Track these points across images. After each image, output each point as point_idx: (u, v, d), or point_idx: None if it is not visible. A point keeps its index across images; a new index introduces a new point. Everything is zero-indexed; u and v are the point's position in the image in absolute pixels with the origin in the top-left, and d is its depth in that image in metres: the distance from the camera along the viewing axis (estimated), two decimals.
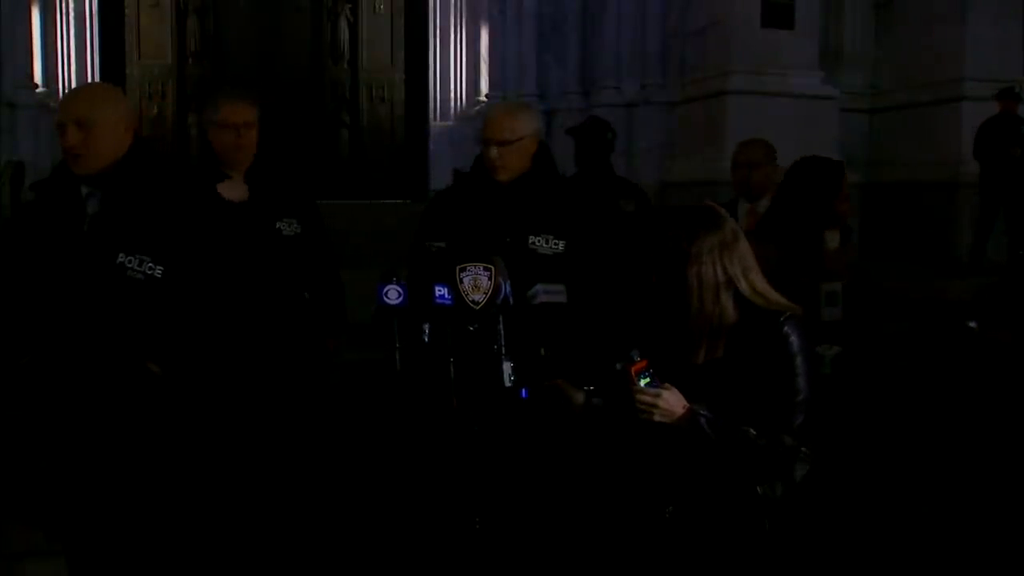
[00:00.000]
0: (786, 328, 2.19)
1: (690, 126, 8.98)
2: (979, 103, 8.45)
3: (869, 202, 8.41)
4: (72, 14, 9.54)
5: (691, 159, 8.75)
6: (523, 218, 2.91)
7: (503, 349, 2.60)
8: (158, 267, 2.55)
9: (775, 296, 2.26)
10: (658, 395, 2.15)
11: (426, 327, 2.72)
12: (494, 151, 2.92)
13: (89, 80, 9.54)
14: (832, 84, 8.86)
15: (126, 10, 10.15)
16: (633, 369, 2.16)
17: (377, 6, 10.79)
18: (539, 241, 2.87)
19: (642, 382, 2.16)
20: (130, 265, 2.54)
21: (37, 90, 9.12)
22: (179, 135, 10.28)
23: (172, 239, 2.59)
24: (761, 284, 2.25)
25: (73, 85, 9.47)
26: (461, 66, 10.54)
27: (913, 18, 9.40)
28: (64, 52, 9.49)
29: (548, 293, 2.87)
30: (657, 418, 2.16)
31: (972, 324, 3.25)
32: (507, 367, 2.59)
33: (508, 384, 2.59)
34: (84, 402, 2.56)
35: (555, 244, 2.87)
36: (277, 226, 3.34)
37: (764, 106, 8.07)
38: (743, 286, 2.22)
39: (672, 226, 2.25)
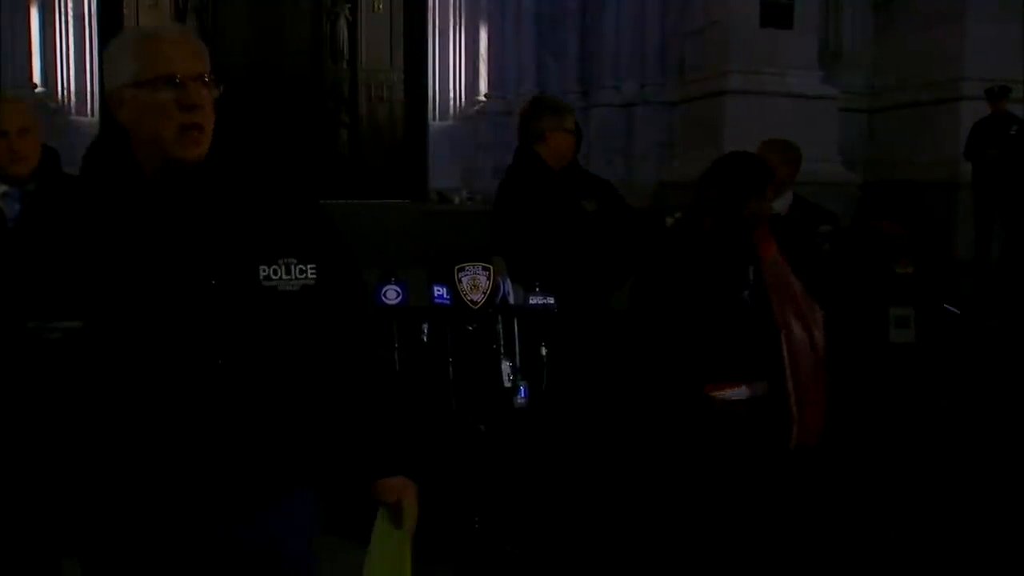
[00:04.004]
0: None
1: (689, 126, 8.98)
2: (978, 103, 8.44)
3: (868, 202, 8.40)
4: (71, 14, 9.54)
5: (690, 159, 8.74)
6: None
7: (502, 349, 2.60)
8: None
9: None
10: None
11: (425, 327, 2.72)
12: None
13: (89, 81, 9.55)
14: (831, 84, 8.85)
15: (125, 10, 10.15)
16: None
17: (376, 6, 10.78)
18: None
19: None
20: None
21: (36, 90, 9.12)
22: None
23: None
24: None
25: (72, 85, 9.48)
26: (460, 65, 10.53)
27: (912, 18, 9.39)
28: (63, 52, 9.48)
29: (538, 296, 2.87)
30: None
31: (952, 308, 3.33)
32: (506, 367, 2.60)
33: (507, 384, 2.59)
34: None
35: None
36: None
37: (763, 106, 8.07)
38: None
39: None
